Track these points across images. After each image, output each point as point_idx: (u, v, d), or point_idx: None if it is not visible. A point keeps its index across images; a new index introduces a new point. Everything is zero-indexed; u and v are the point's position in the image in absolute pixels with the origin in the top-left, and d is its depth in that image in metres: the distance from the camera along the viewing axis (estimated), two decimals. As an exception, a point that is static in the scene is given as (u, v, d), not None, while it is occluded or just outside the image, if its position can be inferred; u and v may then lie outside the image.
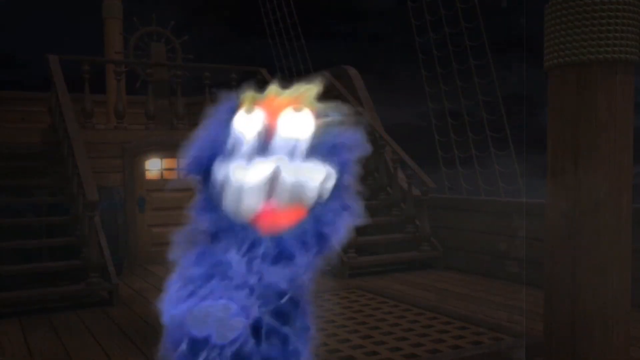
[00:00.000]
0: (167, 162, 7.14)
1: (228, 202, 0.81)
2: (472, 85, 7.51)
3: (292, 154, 0.78)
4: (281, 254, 0.79)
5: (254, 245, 0.80)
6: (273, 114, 0.81)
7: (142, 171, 6.94)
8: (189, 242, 0.87)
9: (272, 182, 0.78)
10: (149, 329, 4.08)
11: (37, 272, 5.36)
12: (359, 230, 6.26)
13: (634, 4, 2.20)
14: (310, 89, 0.84)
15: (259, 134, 0.81)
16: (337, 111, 0.85)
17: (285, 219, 0.82)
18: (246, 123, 0.82)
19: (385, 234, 6.52)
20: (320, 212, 0.84)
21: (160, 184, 7.02)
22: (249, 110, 0.83)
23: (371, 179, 7.16)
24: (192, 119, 9.53)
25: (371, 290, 5.06)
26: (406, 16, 8.21)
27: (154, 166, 7.07)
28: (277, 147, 0.79)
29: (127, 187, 6.77)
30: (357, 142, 0.84)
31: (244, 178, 0.80)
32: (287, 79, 0.87)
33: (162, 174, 7.13)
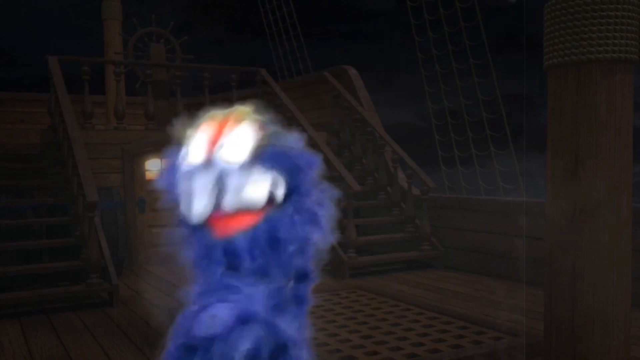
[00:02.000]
0: (167, 163, 7.14)
1: (181, 208, 0.88)
2: (472, 84, 7.51)
3: (235, 164, 0.82)
4: (231, 255, 0.82)
5: (209, 247, 0.83)
6: (215, 133, 0.86)
7: (142, 172, 6.94)
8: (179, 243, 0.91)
9: (217, 189, 0.82)
10: (149, 330, 4.08)
11: (38, 273, 5.36)
12: (359, 230, 6.26)
13: (634, 3, 2.20)
14: (244, 108, 0.88)
15: (203, 149, 0.86)
16: (274, 123, 0.88)
17: (236, 223, 0.85)
18: (192, 145, 0.89)
19: (385, 234, 6.53)
20: (273, 217, 0.86)
21: (160, 185, 7.01)
22: (190, 144, 0.90)
23: (371, 179, 7.16)
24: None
25: (371, 290, 5.07)
26: (406, 16, 8.21)
27: (153, 167, 7.07)
28: (221, 160, 0.83)
29: (127, 187, 6.77)
30: (299, 149, 0.86)
31: (190, 187, 0.85)
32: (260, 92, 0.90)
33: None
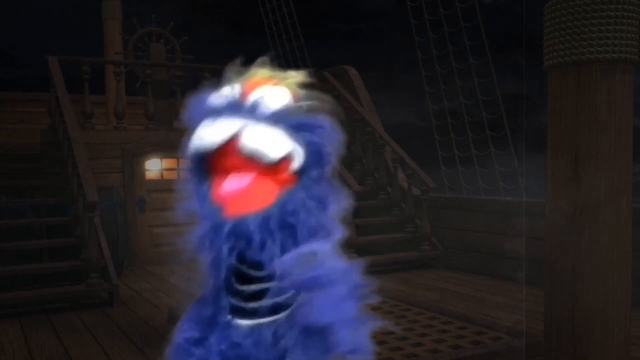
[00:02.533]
0: (167, 163, 7.14)
1: (192, 152, 0.87)
2: (471, 84, 7.51)
3: (260, 118, 0.82)
4: (241, 235, 0.82)
5: (219, 226, 0.83)
6: (251, 87, 0.86)
7: (142, 172, 6.94)
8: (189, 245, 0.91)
9: (232, 141, 0.82)
10: (149, 330, 4.08)
11: (38, 273, 5.36)
12: (359, 230, 6.26)
13: (634, 3, 2.20)
14: (294, 76, 0.88)
15: (233, 98, 0.85)
16: (315, 100, 0.88)
17: (249, 204, 0.85)
18: (224, 91, 0.88)
19: (385, 234, 6.52)
20: (286, 200, 0.86)
21: (161, 185, 7.02)
22: (229, 85, 0.89)
23: (371, 179, 7.16)
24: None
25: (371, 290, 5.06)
26: (406, 16, 8.21)
27: (154, 166, 7.07)
28: (247, 111, 0.83)
29: (127, 187, 6.77)
30: (328, 127, 0.86)
31: (207, 133, 0.84)
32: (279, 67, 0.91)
33: (162, 174, 7.12)
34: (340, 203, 0.93)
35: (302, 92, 0.87)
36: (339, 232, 0.93)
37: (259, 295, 0.96)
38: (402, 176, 6.76)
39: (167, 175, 7.16)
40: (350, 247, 5.87)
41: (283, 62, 10.87)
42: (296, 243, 0.87)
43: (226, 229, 0.82)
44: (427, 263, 6.34)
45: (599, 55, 2.18)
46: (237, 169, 0.81)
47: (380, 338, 3.66)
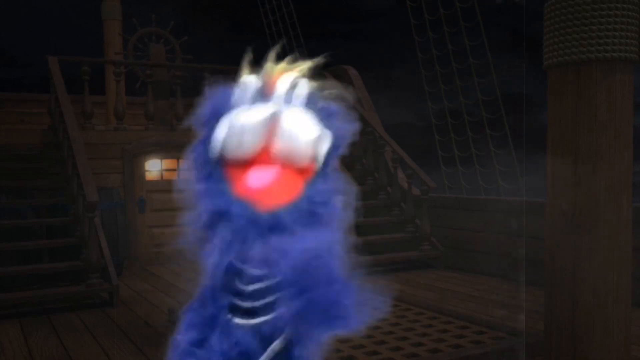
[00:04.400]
0: (167, 163, 7.14)
1: (229, 141, 0.85)
2: (471, 84, 7.52)
3: (293, 103, 0.82)
4: (277, 227, 0.81)
5: (252, 221, 0.82)
6: (275, 77, 0.86)
7: (142, 172, 6.94)
8: (194, 240, 0.90)
9: (272, 124, 0.82)
10: (149, 330, 4.08)
11: (38, 273, 5.36)
12: (359, 230, 6.25)
13: (634, 3, 2.20)
14: (308, 65, 0.89)
15: (261, 87, 0.86)
16: (331, 88, 0.89)
17: (279, 197, 0.85)
18: (250, 82, 0.88)
19: (385, 234, 6.52)
20: (313, 192, 0.86)
21: (161, 185, 7.02)
22: (248, 80, 0.89)
23: (371, 179, 7.16)
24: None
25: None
26: (406, 16, 8.21)
27: (154, 167, 7.07)
28: (277, 98, 0.84)
29: (127, 188, 6.77)
30: (350, 118, 0.87)
31: (245, 119, 0.84)
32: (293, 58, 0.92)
33: (162, 174, 7.12)
34: (348, 193, 0.94)
35: (318, 80, 0.89)
36: (348, 221, 0.94)
37: (259, 294, 0.96)
38: (402, 176, 6.76)
39: (167, 175, 7.16)
40: (350, 247, 5.86)
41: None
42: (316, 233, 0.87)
43: (261, 222, 0.81)
44: (427, 263, 6.34)
45: (599, 54, 2.18)
46: (269, 160, 0.81)
47: (380, 338, 3.66)
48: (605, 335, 2.24)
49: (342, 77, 7.98)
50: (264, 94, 0.85)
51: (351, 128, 0.88)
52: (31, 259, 5.44)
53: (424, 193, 6.31)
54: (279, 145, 0.82)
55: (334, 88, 0.90)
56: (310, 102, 0.84)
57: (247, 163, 0.82)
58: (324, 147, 0.86)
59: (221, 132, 0.85)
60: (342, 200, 0.91)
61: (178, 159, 7.15)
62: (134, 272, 6.34)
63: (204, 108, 0.90)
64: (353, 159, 7.35)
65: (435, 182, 6.51)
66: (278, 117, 0.82)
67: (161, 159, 7.09)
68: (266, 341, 0.94)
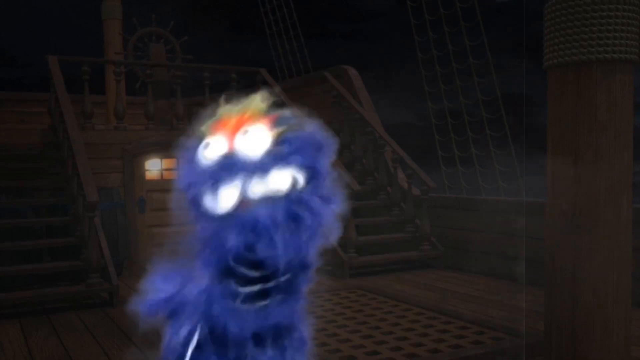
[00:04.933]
0: (167, 163, 7.14)
1: (206, 202, 0.87)
2: (471, 84, 7.52)
3: (255, 169, 0.83)
4: (252, 230, 0.82)
5: (226, 223, 0.84)
6: (230, 136, 0.86)
7: (142, 172, 6.94)
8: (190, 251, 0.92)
9: (244, 181, 0.83)
10: (149, 330, 4.08)
11: (38, 273, 5.36)
12: (359, 230, 6.26)
13: (634, 3, 2.20)
14: (257, 102, 0.89)
15: (222, 158, 0.86)
16: (289, 116, 0.88)
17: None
18: (208, 152, 0.89)
19: (385, 234, 6.52)
20: (294, 196, 0.86)
21: (161, 185, 7.02)
22: (209, 139, 0.90)
23: (371, 179, 7.16)
24: (192, 120, 9.53)
25: (371, 290, 5.07)
26: (406, 16, 8.22)
27: (154, 167, 7.07)
28: (237, 166, 0.84)
29: (127, 187, 6.77)
30: (317, 138, 0.87)
31: (217, 206, 0.85)
32: (241, 94, 0.92)
33: (162, 174, 7.13)
34: (338, 203, 0.94)
35: (273, 114, 0.89)
36: (337, 232, 0.94)
37: (255, 296, 0.96)
38: (402, 176, 6.76)
39: (167, 175, 7.16)
40: (350, 247, 5.87)
41: (283, 62, 10.88)
42: (298, 238, 0.87)
43: (236, 222, 0.84)
44: (427, 263, 6.34)
45: (599, 55, 2.18)
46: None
47: (380, 338, 3.66)
48: (605, 335, 2.24)
49: (342, 77, 7.99)
50: (228, 163, 0.86)
51: (323, 150, 0.88)
52: (31, 258, 5.44)
53: (424, 193, 6.32)
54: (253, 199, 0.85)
55: (293, 115, 0.89)
56: (274, 157, 0.85)
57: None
58: (300, 183, 0.87)
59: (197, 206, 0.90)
60: (332, 208, 0.91)
61: (177, 159, 7.15)
62: (134, 272, 6.33)
63: (180, 177, 0.95)
64: (353, 159, 7.36)
65: (435, 182, 6.51)
66: (245, 194, 0.84)
67: (161, 158, 7.09)
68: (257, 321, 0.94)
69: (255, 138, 0.85)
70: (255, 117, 0.87)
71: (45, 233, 5.71)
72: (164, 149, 7.02)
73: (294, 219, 0.85)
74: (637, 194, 2.47)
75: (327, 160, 0.90)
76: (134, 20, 7.96)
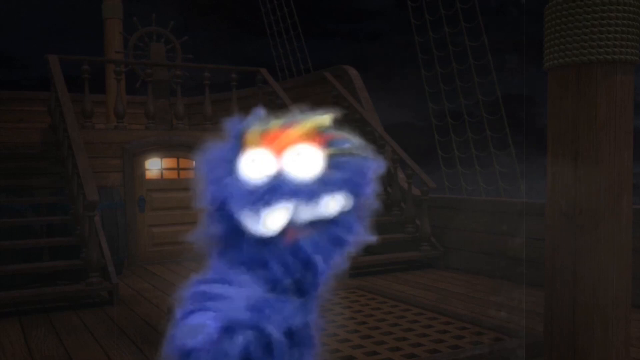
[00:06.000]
0: (167, 162, 7.15)
1: (248, 224, 0.81)
2: (472, 85, 7.52)
3: (306, 194, 0.78)
4: (297, 256, 0.79)
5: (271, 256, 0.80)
6: (279, 154, 0.79)
7: (142, 171, 6.94)
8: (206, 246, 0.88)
9: (290, 205, 0.78)
10: (149, 329, 4.08)
11: (37, 272, 5.36)
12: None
13: (634, 4, 2.20)
14: (318, 121, 0.82)
15: (269, 177, 0.79)
16: (347, 140, 0.83)
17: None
18: (254, 167, 0.81)
19: (385, 234, 6.53)
20: (340, 221, 0.85)
21: (161, 184, 7.02)
22: (255, 151, 0.81)
23: (371, 179, 7.15)
24: (192, 119, 9.54)
25: (371, 290, 5.07)
26: (406, 16, 8.22)
27: (154, 166, 7.07)
28: (288, 190, 0.78)
29: (127, 187, 6.77)
30: (368, 165, 0.84)
31: (260, 227, 0.79)
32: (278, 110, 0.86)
33: (162, 174, 7.13)
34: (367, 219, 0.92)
35: (329, 134, 0.83)
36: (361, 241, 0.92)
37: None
38: (402, 176, 6.76)
39: (167, 174, 7.17)
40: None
41: (283, 62, 10.88)
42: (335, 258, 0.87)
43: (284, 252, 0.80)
44: (427, 263, 6.34)
45: (600, 56, 2.18)
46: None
47: (379, 338, 3.66)
48: (605, 335, 2.24)
49: (342, 77, 7.99)
50: (274, 183, 0.80)
51: (370, 179, 0.86)
52: (31, 257, 5.44)
53: (424, 193, 6.32)
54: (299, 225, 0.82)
55: (349, 139, 0.85)
56: (325, 184, 0.81)
57: None
58: (346, 209, 0.85)
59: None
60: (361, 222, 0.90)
61: (178, 158, 7.16)
62: (133, 271, 6.34)
63: (215, 189, 0.83)
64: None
65: (435, 182, 6.52)
66: (293, 218, 0.80)
67: (161, 158, 7.09)
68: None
69: (307, 160, 0.80)
70: (309, 135, 0.81)
71: (45, 232, 5.71)
72: (164, 148, 7.02)
73: (339, 244, 0.83)
74: (636, 195, 2.48)
75: (373, 187, 0.88)
76: (135, 19, 7.96)
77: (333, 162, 0.81)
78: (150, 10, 8.14)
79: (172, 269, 6.39)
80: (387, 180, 6.99)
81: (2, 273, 4.84)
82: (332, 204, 0.79)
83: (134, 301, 4.95)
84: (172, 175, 7.17)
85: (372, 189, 0.84)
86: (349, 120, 7.44)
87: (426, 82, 8.11)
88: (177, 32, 8.22)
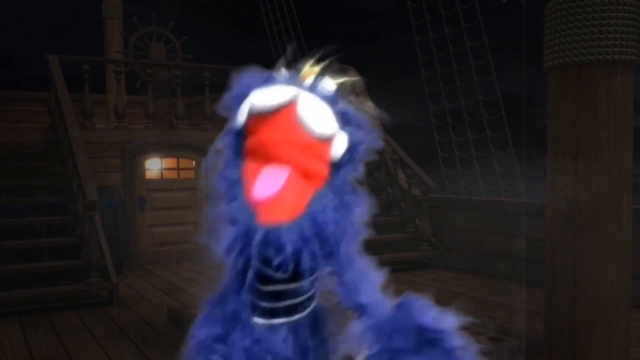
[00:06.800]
0: (167, 162, 7.15)
1: (254, 99, 0.87)
2: (472, 85, 7.52)
3: (317, 94, 0.83)
4: (272, 245, 0.80)
5: (251, 232, 0.82)
6: (307, 73, 0.87)
7: (142, 171, 6.94)
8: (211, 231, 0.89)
9: (292, 104, 0.82)
10: (149, 329, 4.08)
11: (37, 272, 5.36)
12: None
13: (634, 4, 2.20)
14: (346, 76, 0.90)
15: (291, 76, 0.87)
16: (362, 102, 0.90)
17: (282, 211, 0.83)
18: (281, 72, 0.90)
19: (385, 234, 6.52)
20: (318, 208, 0.85)
21: (161, 184, 7.02)
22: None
23: (371, 179, 7.16)
24: (192, 119, 9.53)
25: (371, 290, 5.06)
26: (406, 16, 8.21)
27: (154, 166, 7.07)
28: (304, 86, 0.84)
29: (127, 187, 6.77)
30: (370, 130, 0.87)
31: (264, 98, 0.84)
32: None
33: (162, 174, 7.13)
34: (363, 207, 0.94)
35: (351, 92, 0.90)
36: (362, 235, 0.95)
37: (277, 295, 0.96)
38: (402, 176, 6.76)
39: (167, 174, 7.16)
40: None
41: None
42: (325, 248, 0.87)
43: (258, 236, 0.81)
44: (427, 263, 6.34)
45: (600, 56, 2.18)
46: (280, 145, 0.80)
47: (380, 338, 3.66)
48: (605, 335, 2.24)
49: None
50: (295, 80, 0.88)
51: (372, 141, 0.88)
52: (31, 257, 5.44)
53: (424, 193, 6.32)
54: (294, 131, 0.83)
55: (363, 102, 0.91)
56: (335, 101, 0.86)
57: (262, 148, 0.82)
58: (339, 149, 0.86)
59: (248, 100, 0.88)
60: (352, 211, 0.91)
61: (178, 158, 7.16)
62: (133, 271, 6.34)
63: (233, 89, 0.95)
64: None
65: (435, 182, 6.51)
66: (298, 99, 0.83)
67: (161, 158, 7.09)
68: (286, 342, 0.93)
69: (328, 83, 0.87)
70: (335, 80, 0.92)
71: (45, 232, 5.71)
72: (164, 148, 7.02)
73: (318, 235, 0.84)
74: (636, 195, 2.47)
75: (366, 155, 0.92)
76: (135, 19, 7.96)
77: (346, 104, 0.86)
78: (150, 10, 8.14)
79: (172, 269, 6.39)
80: (387, 180, 6.99)
81: (2, 273, 4.84)
82: (332, 121, 0.83)
83: (134, 301, 4.95)
84: (172, 175, 7.17)
85: (363, 156, 0.87)
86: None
87: (426, 82, 8.11)
88: (177, 32, 8.22)
